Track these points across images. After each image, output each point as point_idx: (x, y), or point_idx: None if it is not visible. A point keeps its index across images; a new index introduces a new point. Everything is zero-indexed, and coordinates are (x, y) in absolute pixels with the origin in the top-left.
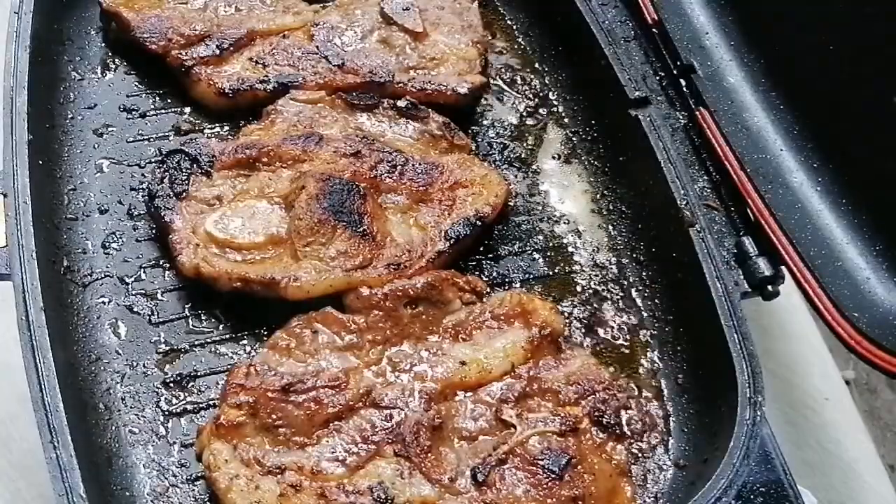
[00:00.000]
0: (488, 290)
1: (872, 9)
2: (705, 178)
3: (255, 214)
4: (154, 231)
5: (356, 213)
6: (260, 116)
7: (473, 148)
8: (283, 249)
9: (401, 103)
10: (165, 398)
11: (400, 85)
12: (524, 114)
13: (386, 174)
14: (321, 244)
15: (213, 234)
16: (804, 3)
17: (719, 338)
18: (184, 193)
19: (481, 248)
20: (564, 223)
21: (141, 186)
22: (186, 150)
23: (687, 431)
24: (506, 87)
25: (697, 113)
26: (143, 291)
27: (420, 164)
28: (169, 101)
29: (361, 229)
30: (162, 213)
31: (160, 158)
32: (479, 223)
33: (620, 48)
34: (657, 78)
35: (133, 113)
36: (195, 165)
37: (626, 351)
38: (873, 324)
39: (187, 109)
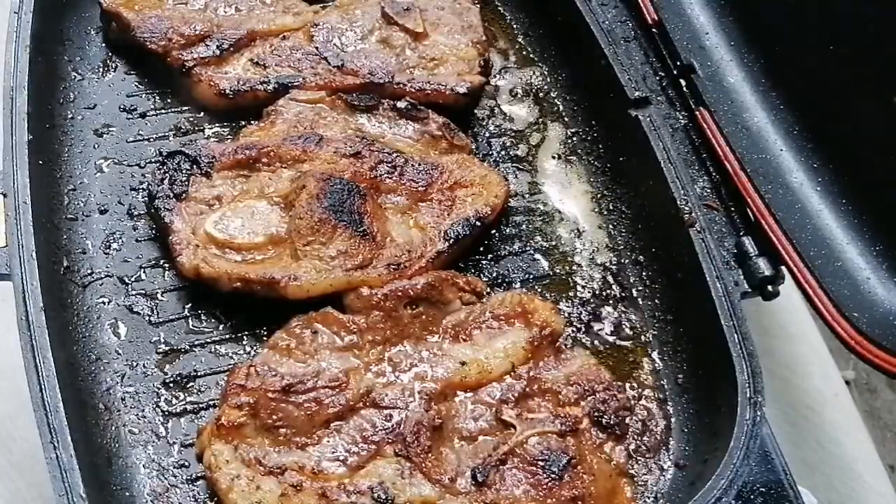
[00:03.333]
0: (488, 290)
1: (872, 9)
2: (705, 178)
3: (254, 214)
4: (154, 231)
5: (356, 213)
6: (260, 117)
7: (473, 148)
8: (282, 249)
9: (400, 104)
10: (165, 398)
11: (399, 85)
12: (524, 113)
13: (386, 175)
14: (321, 244)
15: (213, 235)
16: (804, 3)
17: (719, 338)
18: (183, 194)
19: (481, 249)
20: (564, 223)
21: (141, 186)
22: (186, 151)
23: (687, 431)
24: (506, 88)
25: (697, 113)
26: (143, 291)
27: (420, 165)
28: (169, 101)
29: (361, 229)
30: (162, 214)
31: (160, 159)
32: (478, 223)
33: (620, 48)
34: (657, 78)
35: (133, 113)
36: (195, 166)
37: (627, 351)
38: (873, 324)
39: (187, 109)
